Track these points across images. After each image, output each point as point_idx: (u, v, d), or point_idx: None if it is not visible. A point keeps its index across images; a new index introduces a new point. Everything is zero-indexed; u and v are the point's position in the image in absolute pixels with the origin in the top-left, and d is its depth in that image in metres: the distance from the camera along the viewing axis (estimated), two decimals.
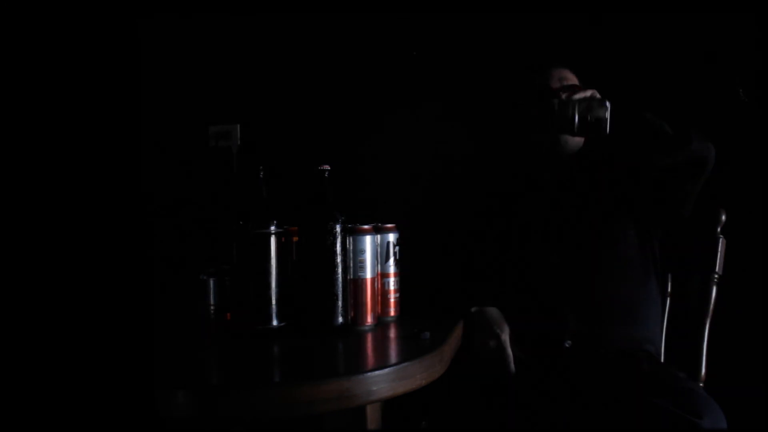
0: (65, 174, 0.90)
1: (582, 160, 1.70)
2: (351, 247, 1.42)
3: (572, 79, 1.66)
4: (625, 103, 1.53)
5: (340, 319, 1.36)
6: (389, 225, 1.52)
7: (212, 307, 1.41)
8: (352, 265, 1.42)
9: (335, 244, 1.36)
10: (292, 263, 1.41)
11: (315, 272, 1.36)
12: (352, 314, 1.41)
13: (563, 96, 1.52)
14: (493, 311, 1.57)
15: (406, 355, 1.17)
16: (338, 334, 1.35)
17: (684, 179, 1.54)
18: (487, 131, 2.08)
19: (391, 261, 1.51)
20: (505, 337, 1.52)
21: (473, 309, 1.57)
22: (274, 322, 1.35)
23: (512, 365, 1.51)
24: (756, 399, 1.73)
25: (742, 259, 1.78)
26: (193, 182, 2.29)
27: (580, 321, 1.56)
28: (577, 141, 1.67)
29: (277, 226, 1.37)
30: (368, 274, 1.43)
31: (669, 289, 1.75)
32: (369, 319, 1.43)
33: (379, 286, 1.48)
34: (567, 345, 1.55)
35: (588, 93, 1.52)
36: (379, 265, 1.48)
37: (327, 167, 1.39)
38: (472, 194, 1.85)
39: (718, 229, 1.74)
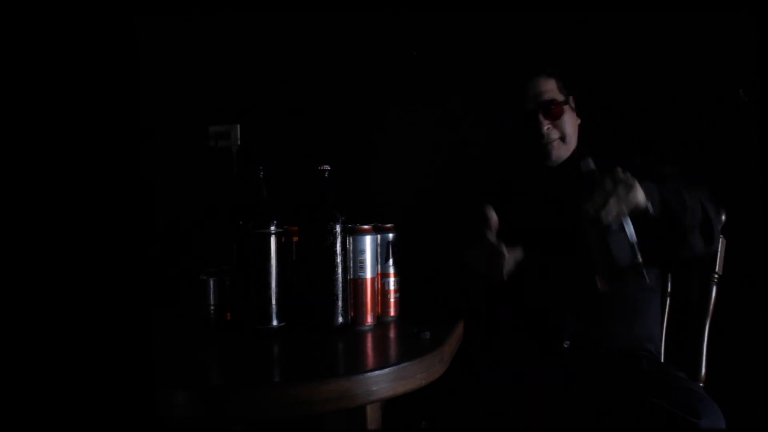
0: (65, 174, 0.90)
1: (576, 165, 1.69)
2: (351, 247, 1.42)
3: (552, 89, 1.65)
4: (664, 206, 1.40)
5: (340, 319, 1.36)
6: (389, 225, 1.52)
7: (212, 307, 1.41)
8: (352, 265, 1.42)
9: (335, 244, 1.36)
10: (292, 263, 1.41)
11: (315, 272, 1.36)
12: (352, 314, 1.41)
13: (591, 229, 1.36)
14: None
15: (406, 355, 1.17)
16: (338, 334, 1.35)
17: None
18: (484, 134, 2.09)
19: (391, 261, 1.50)
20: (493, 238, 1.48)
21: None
22: (274, 322, 1.35)
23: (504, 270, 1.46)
24: (756, 399, 1.73)
25: (742, 259, 1.78)
26: (193, 182, 2.29)
27: (580, 320, 1.56)
28: (566, 152, 1.67)
29: (277, 226, 1.37)
30: (368, 274, 1.43)
31: (669, 289, 1.75)
32: (369, 319, 1.43)
33: (379, 286, 1.48)
34: (566, 345, 1.55)
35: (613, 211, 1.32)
36: (379, 265, 1.48)
37: (327, 167, 1.39)
38: (472, 194, 1.85)
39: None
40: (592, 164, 1.38)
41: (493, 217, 1.49)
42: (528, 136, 1.64)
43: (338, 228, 1.36)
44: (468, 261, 1.52)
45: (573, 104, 1.70)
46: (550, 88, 1.65)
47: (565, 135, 1.64)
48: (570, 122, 1.66)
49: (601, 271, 1.35)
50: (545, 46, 2.01)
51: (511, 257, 1.46)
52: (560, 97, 1.65)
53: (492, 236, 1.47)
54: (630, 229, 1.32)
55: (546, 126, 1.62)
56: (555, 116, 1.62)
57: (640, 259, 1.31)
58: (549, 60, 1.80)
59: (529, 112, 1.63)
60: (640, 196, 1.33)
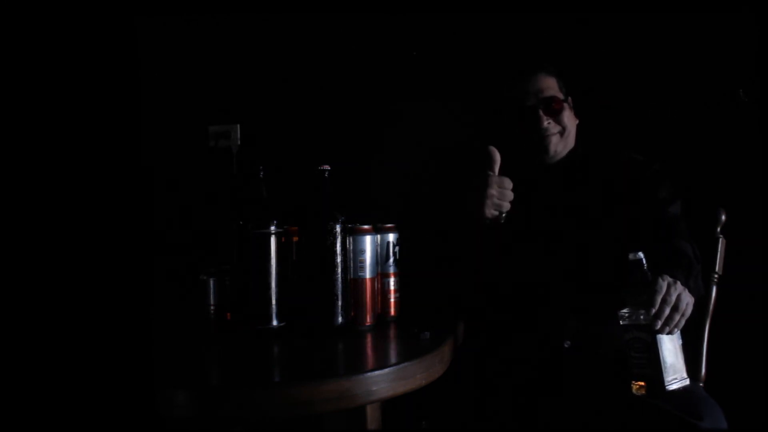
0: (66, 174, 0.90)
1: (573, 164, 1.69)
2: (351, 247, 1.42)
3: (553, 87, 1.65)
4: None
5: (340, 319, 1.36)
6: (389, 225, 1.52)
7: (212, 307, 1.41)
8: (352, 265, 1.42)
9: (335, 244, 1.36)
10: (292, 263, 1.41)
11: (315, 272, 1.36)
12: (352, 314, 1.41)
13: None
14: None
15: (406, 355, 1.17)
16: (338, 334, 1.35)
17: None
18: (484, 132, 2.08)
19: (391, 261, 1.50)
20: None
21: None
22: (274, 322, 1.35)
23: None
24: (756, 399, 1.73)
25: (742, 259, 1.78)
26: (193, 182, 2.29)
27: (580, 321, 1.56)
28: (563, 148, 1.67)
29: (277, 226, 1.37)
30: (368, 274, 1.43)
31: None
32: (369, 319, 1.43)
33: (379, 286, 1.48)
34: (567, 345, 1.55)
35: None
36: (379, 265, 1.48)
37: (327, 167, 1.39)
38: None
39: (718, 229, 1.74)
40: (641, 257, 1.32)
41: (496, 154, 1.50)
42: (527, 132, 1.64)
43: (338, 228, 1.36)
44: (468, 202, 1.52)
45: (571, 104, 1.70)
46: (551, 86, 1.66)
47: (564, 129, 1.65)
48: (569, 119, 1.67)
49: (642, 379, 1.30)
50: (545, 46, 2.01)
51: (507, 199, 1.49)
52: (560, 95, 1.66)
53: (495, 171, 1.49)
54: (680, 341, 1.30)
55: (546, 122, 1.63)
56: (555, 112, 1.63)
57: (686, 374, 1.29)
58: (549, 58, 1.80)
59: (530, 107, 1.63)
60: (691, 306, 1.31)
